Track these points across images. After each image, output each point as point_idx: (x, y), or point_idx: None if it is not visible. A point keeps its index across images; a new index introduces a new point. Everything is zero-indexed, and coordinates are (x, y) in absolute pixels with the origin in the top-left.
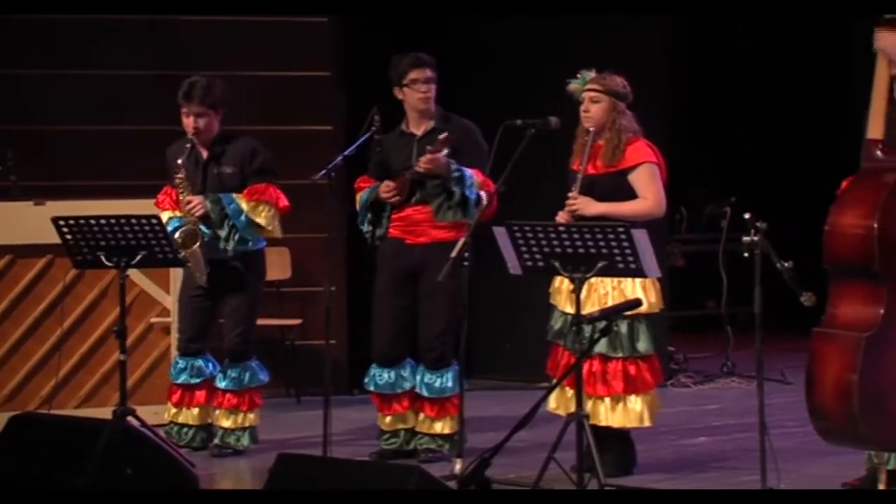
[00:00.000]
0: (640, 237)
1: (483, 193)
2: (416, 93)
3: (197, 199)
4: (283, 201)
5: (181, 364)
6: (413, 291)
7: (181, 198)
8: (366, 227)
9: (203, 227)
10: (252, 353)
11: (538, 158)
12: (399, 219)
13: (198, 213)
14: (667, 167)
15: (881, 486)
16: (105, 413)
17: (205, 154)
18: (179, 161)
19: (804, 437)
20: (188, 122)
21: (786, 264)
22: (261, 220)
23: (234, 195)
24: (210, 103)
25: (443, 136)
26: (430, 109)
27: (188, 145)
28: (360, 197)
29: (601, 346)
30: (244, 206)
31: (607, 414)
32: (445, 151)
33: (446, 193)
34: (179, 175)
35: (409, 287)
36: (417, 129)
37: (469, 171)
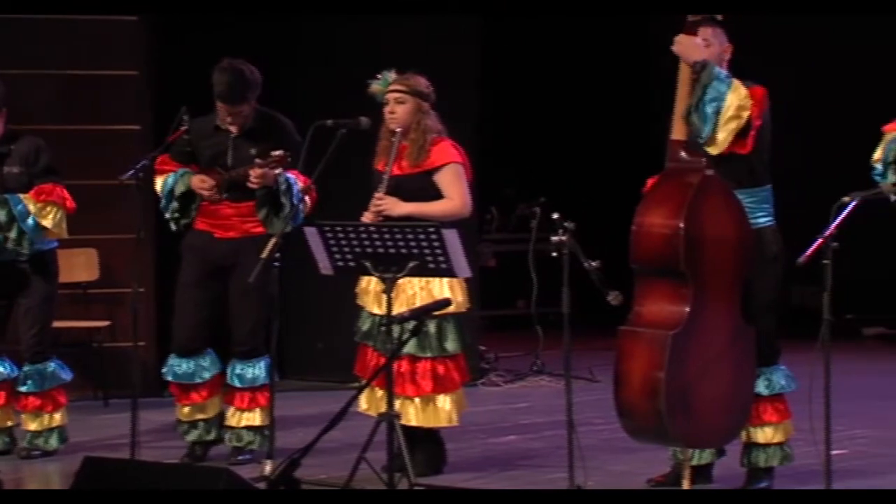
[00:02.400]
0: (451, 237)
1: (306, 197)
2: (226, 117)
3: None
4: (70, 202)
5: None
6: (220, 285)
7: None
8: (170, 215)
9: None
10: (51, 353)
11: (347, 158)
12: (208, 212)
13: None
14: (476, 168)
15: (685, 483)
16: None
17: None
18: None
19: (611, 435)
20: None
21: (593, 264)
22: (47, 223)
23: (22, 196)
24: None
25: (278, 153)
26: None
27: None
28: (165, 181)
29: (410, 347)
30: (31, 207)
31: (417, 414)
32: (279, 170)
33: (272, 204)
34: None
35: (215, 281)
36: (233, 126)
37: (293, 178)
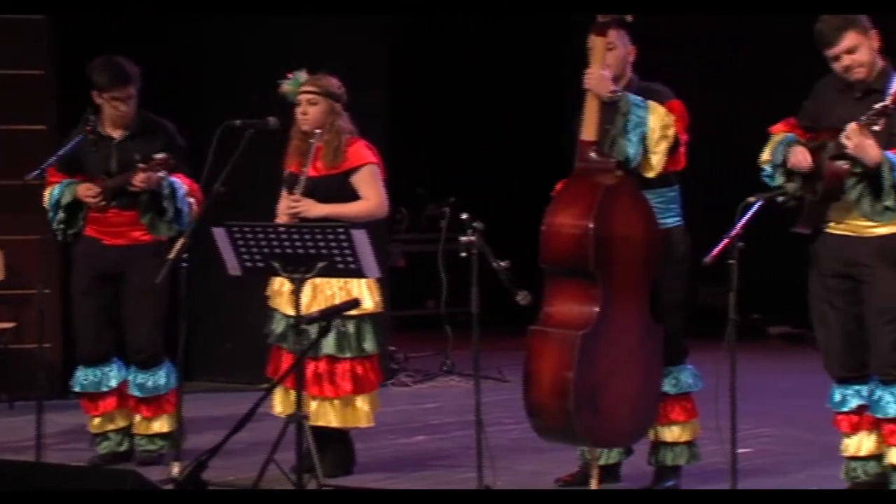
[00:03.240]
0: (360, 237)
1: (192, 200)
2: (115, 109)
3: None
4: None
5: None
6: (112, 292)
7: None
8: (56, 225)
9: None
10: None
11: (255, 158)
12: (96, 219)
13: None
14: (388, 168)
15: (593, 482)
16: None
17: None
18: None
19: (520, 435)
20: None
21: (502, 264)
22: None
23: None
24: None
25: (160, 156)
26: (128, 117)
27: None
28: (51, 193)
29: (329, 347)
30: None
31: (336, 415)
32: (163, 173)
33: (156, 209)
34: None
35: (107, 287)
36: (115, 132)
37: (178, 182)
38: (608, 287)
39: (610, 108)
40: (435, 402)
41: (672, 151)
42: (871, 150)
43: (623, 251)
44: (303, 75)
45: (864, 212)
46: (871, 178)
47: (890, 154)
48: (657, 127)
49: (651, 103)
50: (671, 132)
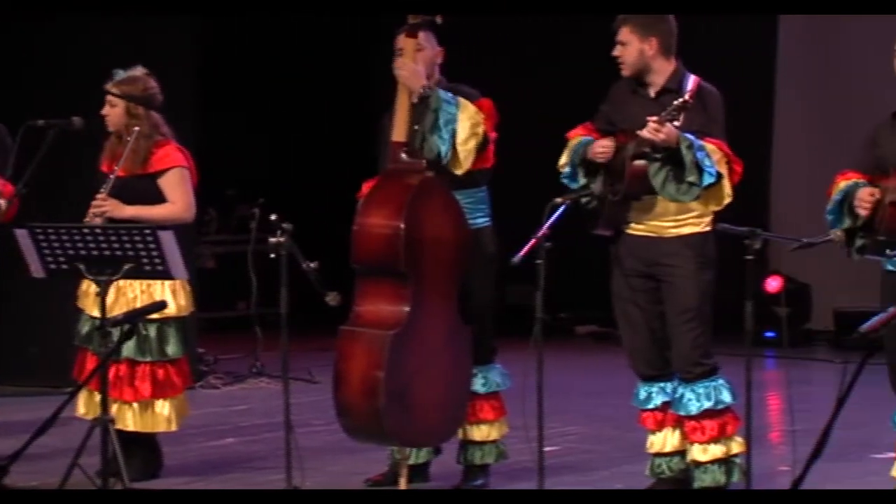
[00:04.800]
0: (166, 238)
1: (3, 202)
2: None
3: None
4: None
5: None
6: None
7: None
8: None
9: None
10: None
11: (63, 158)
12: None
13: None
14: (197, 168)
15: (402, 482)
16: None
17: None
18: None
19: (330, 436)
20: None
21: (311, 265)
22: None
23: None
24: None
25: None
26: None
27: None
28: None
29: (129, 350)
30: None
31: (135, 419)
32: None
33: None
34: None
35: None
36: None
37: None
38: (419, 287)
39: (420, 108)
40: (244, 404)
41: (481, 149)
42: (672, 136)
43: (433, 251)
44: (121, 74)
45: (670, 195)
46: (672, 160)
47: (686, 133)
48: (467, 124)
49: (461, 100)
50: (481, 130)
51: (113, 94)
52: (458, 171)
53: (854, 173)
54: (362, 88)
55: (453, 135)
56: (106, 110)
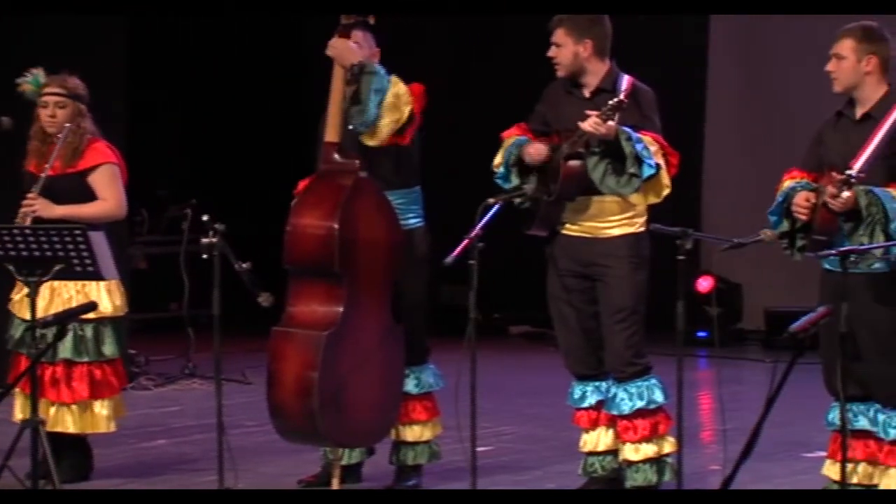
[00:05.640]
0: (97, 239)
1: None
2: None
3: None
4: None
5: None
6: None
7: None
8: None
9: None
10: None
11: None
12: None
13: None
14: (128, 169)
15: (335, 482)
16: None
17: None
18: None
19: (263, 437)
20: None
21: (244, 265)
22: None
23: None
24: None
25: None
26: None
27: None
28: None
29: (66, 351)
30: None
31: (74, 421)
32: None
33: None
34: None
35: None
36: None
37: None
38: (352, 287)
39: (353, 80)
40: (176, 406)
41: (403, 127)
42: (611, 130)
43: (367, 252)
44: (41, 74)
45: (610, 188)
46: (611, 154)
47: (624, 127)
48: (395, 99)
49: (394, 78)
50: (407, 108)
51: (61, 95)
52: (373, 142)
53: (800, 172)
54: (296, 88)
55: (379, 105)
56: (51, 111)
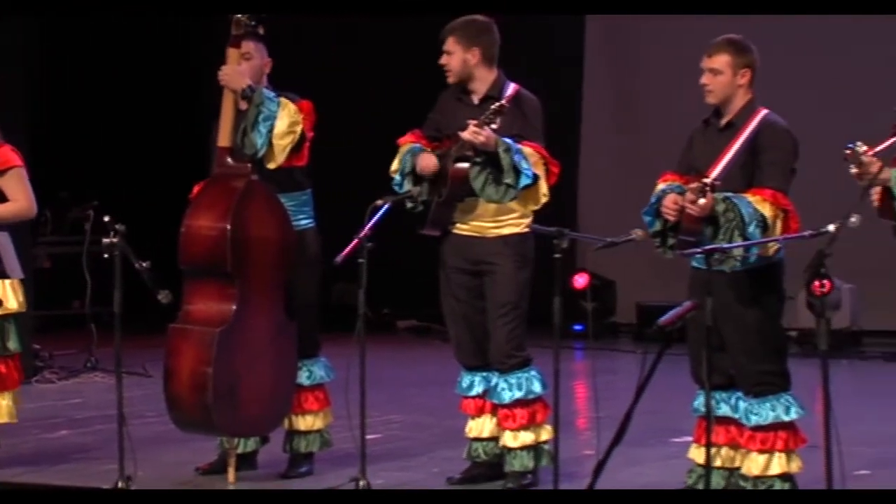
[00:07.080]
0: (3, 240)
1: None
2: None
3: None
4: None
5: None
6: None
7: None
8: None
9: None
10: None
11: None
12: None
13: None
14: (30, 171)
15: (231, 470)
16: None
17: None
18: None
19: (162, 427)
20: None
21: (144, 264)
22: None
23: None
24: None
25: None
26: None
27: None
28: None
29: None
30: None
31: None
32: None
33: None
34: None
35: None
36: None
37: None
38: (245, 286)
39: (244, 114)
40: (79, 398)
41: (297, 147)
42: (490, 139)
43: (259, 252)
44: None
45: (489, 197)
46: (491, 163)
47: (505, 138)
48: (286, 122)
49: (283, 100)
50: (299, 128)
51: None
52: (271, 166)
53: (672, 175)
54: (195, 91)
55: (271, 130)
56: None
